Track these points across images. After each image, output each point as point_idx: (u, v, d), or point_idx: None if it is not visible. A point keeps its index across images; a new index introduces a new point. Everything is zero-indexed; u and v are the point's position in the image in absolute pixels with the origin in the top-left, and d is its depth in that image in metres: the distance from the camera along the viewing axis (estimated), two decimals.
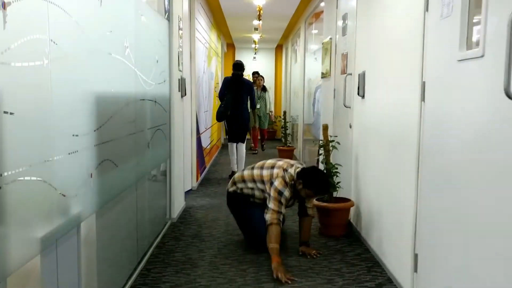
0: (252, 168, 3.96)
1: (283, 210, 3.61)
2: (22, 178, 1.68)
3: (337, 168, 4.35)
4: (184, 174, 5.34)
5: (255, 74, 11.53)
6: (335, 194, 4.39)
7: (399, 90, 3.18)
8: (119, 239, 3.04)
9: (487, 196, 2.00)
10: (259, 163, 3.97)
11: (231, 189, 4.06)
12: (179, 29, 4.81)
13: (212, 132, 9.23)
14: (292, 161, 3.89)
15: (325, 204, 4.25)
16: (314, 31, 8.09)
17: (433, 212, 2.60)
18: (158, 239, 4.07)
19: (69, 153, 2.11)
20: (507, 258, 1.84)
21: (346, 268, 3.48)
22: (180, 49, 4.88)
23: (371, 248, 3.83)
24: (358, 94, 4.15)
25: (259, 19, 8.33)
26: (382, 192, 3.58)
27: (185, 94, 5.02)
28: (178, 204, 4.92)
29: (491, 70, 1.95)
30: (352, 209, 4.43)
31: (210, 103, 8.70)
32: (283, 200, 3.61)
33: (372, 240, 3.84)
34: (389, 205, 3.40)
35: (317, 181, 3.62)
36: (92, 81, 2.38)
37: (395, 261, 3.24)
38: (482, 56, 2.04)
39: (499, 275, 1.90)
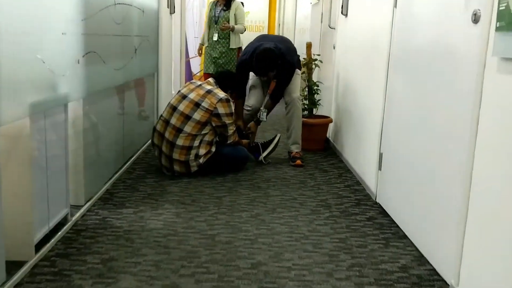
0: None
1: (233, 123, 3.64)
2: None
3: (318, 86, 4.52)
4: (173, 92, 5.50)
5: None
6: (315, 112, 4.58)
7: (376, 1, 3.31)
8: (106, 134, 3.23)
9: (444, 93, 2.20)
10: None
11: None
12: None
13: (202, 61, 9.29)
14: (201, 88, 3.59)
15: (304, 119, 4.45)
16: None
17: (397, 111, 2.80)
18: (145, 146, 4.28)
19: (55, 34, 2.26)
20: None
21: (319, 173, 3.73)
22: None
23: (344, 159, 4.06)
24: (342, 13, 4.27)
25: None
26: (357, 102, 3.77)
27: (174, 12, 5.10)
28: None
29: None
30: (330, 126, 4.64)
31: (201, 31, 8.72)
32: (234, 117, 3.68)
33: (345, 151, 4.07)
34: (361, 113, 3.60)
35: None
36: None
37: (363, 163, 3.47)
38: None
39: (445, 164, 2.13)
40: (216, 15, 5.61)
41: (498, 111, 1.70)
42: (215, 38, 5.63)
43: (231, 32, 5.58)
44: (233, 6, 5.62)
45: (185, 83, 4.94)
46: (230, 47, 5.64)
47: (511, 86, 1.62)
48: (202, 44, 6.02)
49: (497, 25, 1.67)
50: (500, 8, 1.65)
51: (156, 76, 4.68)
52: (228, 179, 3.48)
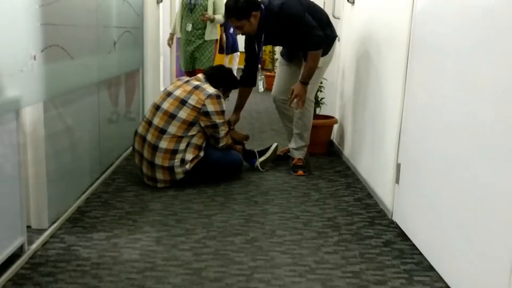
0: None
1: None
2: None
3: (321, 83, 4.06)
4: (162, 89, 5.04)
5: None
6: (318, 111, 4.12)
7: None
8: (78, 141, 2.78)
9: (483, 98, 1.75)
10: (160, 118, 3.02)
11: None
12: None
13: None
14: (187, 84, 3.15)
15: None
16: None
17: (421, 112, 2.35)
18: (127, 152, 3.82)
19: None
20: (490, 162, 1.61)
21: (324, 183, 3.28)
22: None
23: (352, 166, 3.61)
24: (348, 0, 3.81)
25: None
26: (367, 102, 3.31)
27: (162, 0, 4.63)
28: None
29: None
30: (335, 127, 4.20)
31: None
32: (225, 117, 3.20)
33: (353, 157, 3.62)
34: (373, 117, 3.14)
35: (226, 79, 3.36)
36: None
37: (376, 173, 3.03)
38: None
39: (482, 181, 1.67)
40: (192, 2, 4.87)
41: None
42: (189, 28, 4.91)
43: (208, 22, 4.93)
44: None
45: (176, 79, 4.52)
46: (206, 39, 4.96)
47: None
48: (172, 34, 5.32)
49: None
50: None
51: (141, 72, 4.22)
52: (219, 191, 3.04)
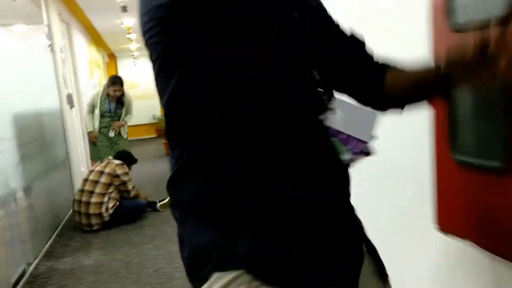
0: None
1: None
2: None
3: None
4: (82, 169, 6.70)
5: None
6: None
7: None
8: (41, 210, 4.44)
9: None
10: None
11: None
12: (61, 56, 6.16)
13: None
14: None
15: None
16: None
17: None
18: (69, 214, 5.46)
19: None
20: None
21: None
22: (65, 70, 6.23)
23: None
24: None
25: (130, 33, 9.76)
26: None
27: (73, 106, 6.38)
28: None
29: None
30: None
31: None
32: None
33: None
34: None
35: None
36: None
37: None
38: None
39: None
40: (112, 111, 6.08)
41: None
42: (112, 134, 6.12)
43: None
44: (126, 102, 6.19)
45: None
46: (124, 137, 6.28)
47: None
48: (94, 131, 6.17)
49: None
50: None
51: (67, 162, 5.90)
52: (135, 229, 4.80)
